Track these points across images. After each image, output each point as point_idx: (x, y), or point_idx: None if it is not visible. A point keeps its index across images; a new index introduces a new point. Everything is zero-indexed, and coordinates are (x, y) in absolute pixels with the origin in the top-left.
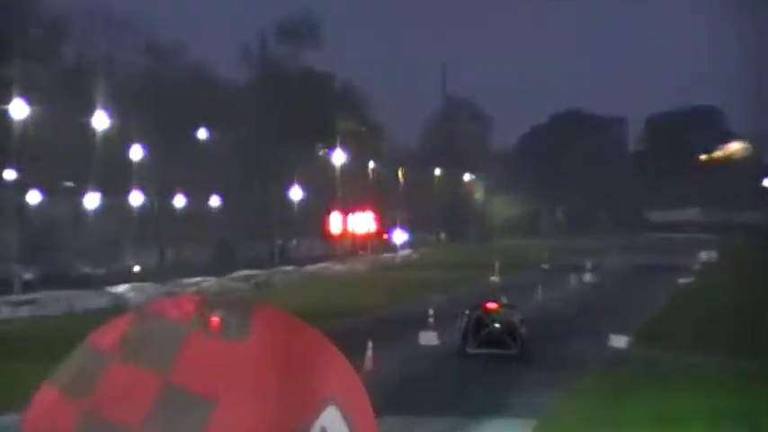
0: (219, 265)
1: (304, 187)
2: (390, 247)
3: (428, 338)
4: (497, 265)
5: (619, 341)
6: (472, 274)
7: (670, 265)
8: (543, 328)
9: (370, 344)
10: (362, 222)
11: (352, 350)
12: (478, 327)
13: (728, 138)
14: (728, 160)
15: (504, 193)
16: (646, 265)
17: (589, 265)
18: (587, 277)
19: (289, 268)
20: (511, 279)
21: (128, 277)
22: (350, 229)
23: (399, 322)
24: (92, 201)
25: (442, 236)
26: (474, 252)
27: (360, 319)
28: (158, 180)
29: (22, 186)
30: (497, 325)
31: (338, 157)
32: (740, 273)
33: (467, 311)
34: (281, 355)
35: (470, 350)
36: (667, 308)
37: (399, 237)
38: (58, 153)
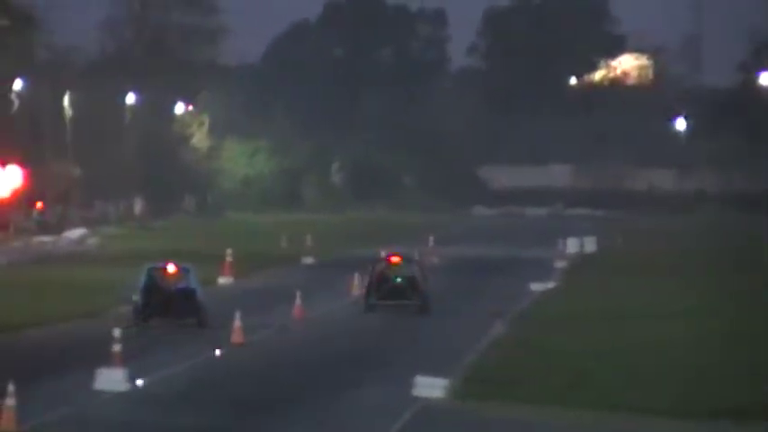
0: None
1: None
2: (51, 225)
3: (110, 380)
4: (229, 257)
5: (431, 388)
6: None
7: (518, 259)
8: (305, 376)
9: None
10: (1, 183)
11: None
12: (382, 280)
13: (617, 47)
14: (617, 85)
15: (244, 137)
16: (477, 260)
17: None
18: None
19: None
20: (252, 282)
21: None
22: None
23: (57, 350)
24: None
25: (139, 207)
26: (193, 234)
27: None
28: None
29: None
30: (399, 279)
31: None
32: (628, 272)
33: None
34: None
35: (374, 302)
36: (509, 333)
37: (66, 209)
38: None
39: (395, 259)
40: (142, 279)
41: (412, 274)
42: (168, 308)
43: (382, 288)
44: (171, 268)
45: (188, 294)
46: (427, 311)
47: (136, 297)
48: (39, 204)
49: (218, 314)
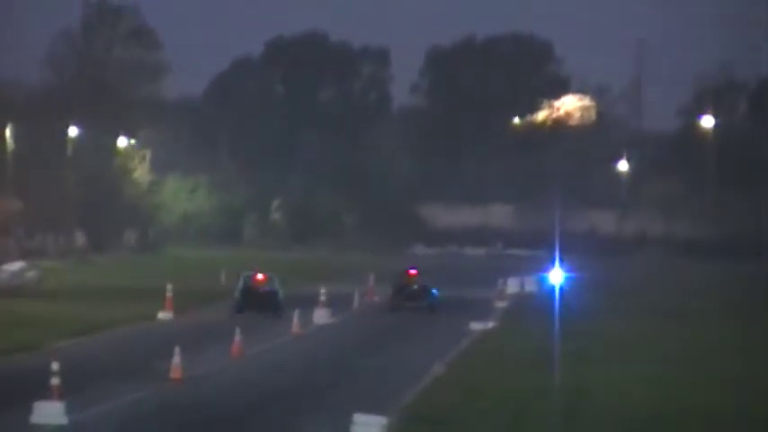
0: None
1: None
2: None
3: (48, 414)
4: (169, 292)
5: (369, 426)
6: (127, 308)
7: (458, 299)
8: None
9: None
10: None
11: None
12: (403, 287)
13: (560, 88)
14: (559, 125)
15: (185, 173)
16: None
17: (323, 295)
18: (321, 316)
19: None
20: (191, 318)
21: None
22: None
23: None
24: None
25: (81, 241)
26: (133, 268)
27: None
28: None
29: None
30: (415, 286)
31: None
32: (568, 313)
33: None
34: None
35: (397, 303)
36: (449, 372)
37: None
38: None
39: (412, 272)
40: (240, 283)
41: (424, 284)
42: (257, 304)
43: (403, 293)
44: (260, 276)
45: (272, 295)
46: (436, 311)
47: (237, 295)
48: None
49: (156, 350)
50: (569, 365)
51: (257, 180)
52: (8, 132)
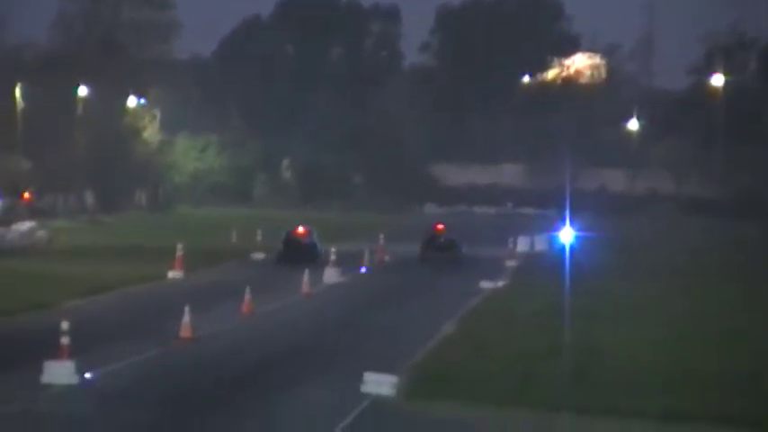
0: None
1: None
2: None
3: (58, 373)
4: (179, 251)
5: (379, 385)
6: (137, 268)
7: (468, 257)
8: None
9: None
10: None
11: None
12: (431, 240)
13: (570, 46)
14: (569, 84)
15: (195, 132)
16: (428, 257)
17: (334, 254)
18: (331, 275)
19: None
20: (201, 277)
21: None
22: None
23: (4, 342)
24: None
25: (90, 201)
26: (143, 228)
27: None
28: None
29: None
30: (443, 240)
31: None
32: (579, 272)
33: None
34: None
35: (427, 254)
36: (459, 331)
37: (15, 201)
38: None
39: (440, 227)
40: (283, 236)
41: (452, 238)
42: (298, 256)
43: (431, 246)
44: (300, 229)
45: (311, 247)
46: (461, 263)
47: (279, 247)
48: (26, 195)
49: (166, 310)
50: (579, 325)
51: (267, 139)
52: (17, 92)
